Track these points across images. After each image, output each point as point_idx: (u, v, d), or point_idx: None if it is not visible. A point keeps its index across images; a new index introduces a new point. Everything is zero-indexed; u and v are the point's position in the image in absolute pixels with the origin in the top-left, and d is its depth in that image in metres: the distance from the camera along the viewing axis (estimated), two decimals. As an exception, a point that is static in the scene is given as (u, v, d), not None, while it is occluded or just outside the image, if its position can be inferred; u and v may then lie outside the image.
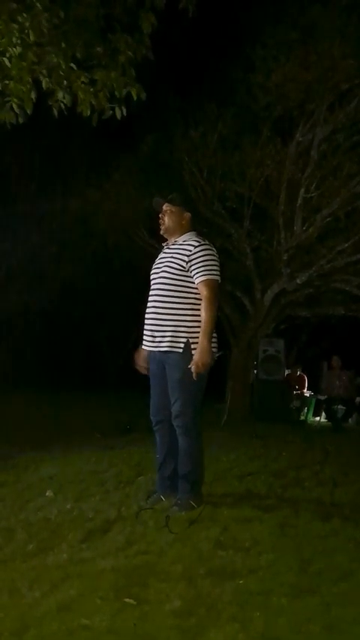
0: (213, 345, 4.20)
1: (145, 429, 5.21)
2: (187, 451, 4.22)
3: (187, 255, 4.22)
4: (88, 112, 5.33)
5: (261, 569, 3.10)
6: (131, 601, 2.67)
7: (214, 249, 4.33)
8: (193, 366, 4.07)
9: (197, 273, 4.19)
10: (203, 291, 4.17)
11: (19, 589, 2.79)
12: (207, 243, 4.32)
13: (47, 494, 4.59)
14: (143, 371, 4.54)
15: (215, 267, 4.24)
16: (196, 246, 4.24)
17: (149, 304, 4.34)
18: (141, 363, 4.54)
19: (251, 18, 9.63)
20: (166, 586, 2.85)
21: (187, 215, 4.45)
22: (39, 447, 6.89)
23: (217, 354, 4.28)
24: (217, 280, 4.24)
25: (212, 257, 4.26)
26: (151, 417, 4.46)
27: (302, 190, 10.20)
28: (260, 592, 2.82)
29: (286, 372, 13.08)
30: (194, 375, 4.07)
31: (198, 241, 4.28)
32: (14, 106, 5.17)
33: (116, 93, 5.30)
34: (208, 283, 4.17)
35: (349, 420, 12.07)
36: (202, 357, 4.08)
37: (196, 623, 2.51)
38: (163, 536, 3.59)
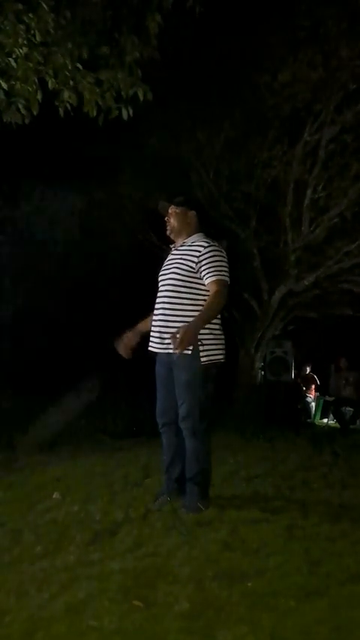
0: (219, 351, 4.22)
1: (152, 431, 5.19)
2: (195, 453, 4.21)
3: (197, 257, 4.21)
4: (95, 113, 5.34)
5: (269, 571, 3.08)
6: (139, 603, 2.66)
7: (223, 250, 4.32)
8: (175, 333, 3.95)
9: (207, 273, 4.17)
10: (213, 288, 4.15)
11: (27, 591, 2.79)
12: (216, 244, 4.31)
13: (54, 496, 4.58)
14: (126, 355, 4.51)
15: (225, 268, 4.23)
16: (205, 247, 4.23)
17: (157, 305, 4.32)
18: (128, 345, 4.51)
19: (258, 17, 9.61)
20: (175, 588, 2.84)
21: (192, 213, 4.44)
22: (46, 449, 6.89)
23: (222, 360, 4.26)
24: (227, 281, 4.23)
25: (221, 258, 4.25)
26: (157, 420, 4.45)
27: (309, 191, 10.19)
28: (268, 594, 2.80)
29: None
30: (174, 345, 3.95)
31: (207, 242, 4.28)
32: (20, 106, 5.17)
33: (123, 93, 5.31)
34: (218, 282, 4.16)
35: (357, 421, 12.04)
36: (187, 333, 3.92)
37: (205, 625, 2.49)
38: (171, 538, 3.58)
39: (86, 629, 2.44)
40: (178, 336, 3.92)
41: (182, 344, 3.92)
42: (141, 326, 4.54)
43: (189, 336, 3.94)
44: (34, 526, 3.82)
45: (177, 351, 3.97)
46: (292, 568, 3.14)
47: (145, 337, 4.44)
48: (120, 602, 2.67)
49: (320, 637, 2.45)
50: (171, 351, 4.16)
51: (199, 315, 4.08)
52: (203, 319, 4.07)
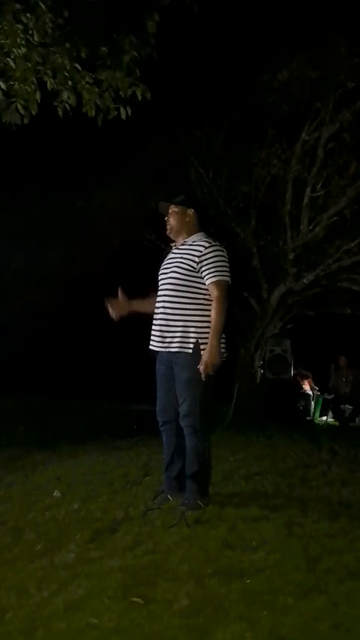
0: (222, 345, 4.20)
1: (152, 430, 5.21)
2: (195, 451, 4.22)
3: (198, 256, 4.22)
4: (93, 113, 5.34)
5: (268, 569, 3.09)
6: (139, 600, 2.67)
7: (224, 250, 4.33)
8: (201, 366, 4.06)
9: (208, 274, 4.19)
10: (214, 292, 4.17)
11: (28, 589, 2.80)
12: (217, 244, 4.32)
13: (55, 494, 4.59)
14: (116, 316, 4.54)
15: (226, 268, 4.24)
16: (206, 247, 4.24)
17: (158, 304, 4.33)
18: (118, 309, 4.54)
19: (256, 16, 9.60)
20: (174, 585, 2.85)
21: (191, 212, 4.45)
22: (47, 448, 6.90)
23: (225, 355, 4.27)
24: (228, 281, 4.24)
25: (223, 258, 4.26)
26: (157, 418, 4.46)
27: (308, 189, 10.18)
28: (267, 591, 2.81)
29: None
30: (203, 375, 4.07)
31: (209, 242, 4.29)
32: (19, 107, 5.17)
33: (121, 93, 5.31)
34: (219, 284, 4.17)
35: (357, 419, 12.06)
36: (211, 356, 4.08)
37: (204, 623, 2.50)
38: (170, 535, 3.59)
39: (86, 627, 2.44)
40: (202, 368, 4.06)
41: (212, 368, 4.09)
42: (135, 304, 4.58)
43: (213, 359, 4.08)
44: (34, 524, 3.83)
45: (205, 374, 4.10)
46: (291, 565, 3.15)
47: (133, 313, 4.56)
48: (119, 600, 2.68)
49: (319, 634, 2.46)
50: (173, 349, 4.19)
51: (211, 334, 4.13)
52: (217, 336, 4.12)
